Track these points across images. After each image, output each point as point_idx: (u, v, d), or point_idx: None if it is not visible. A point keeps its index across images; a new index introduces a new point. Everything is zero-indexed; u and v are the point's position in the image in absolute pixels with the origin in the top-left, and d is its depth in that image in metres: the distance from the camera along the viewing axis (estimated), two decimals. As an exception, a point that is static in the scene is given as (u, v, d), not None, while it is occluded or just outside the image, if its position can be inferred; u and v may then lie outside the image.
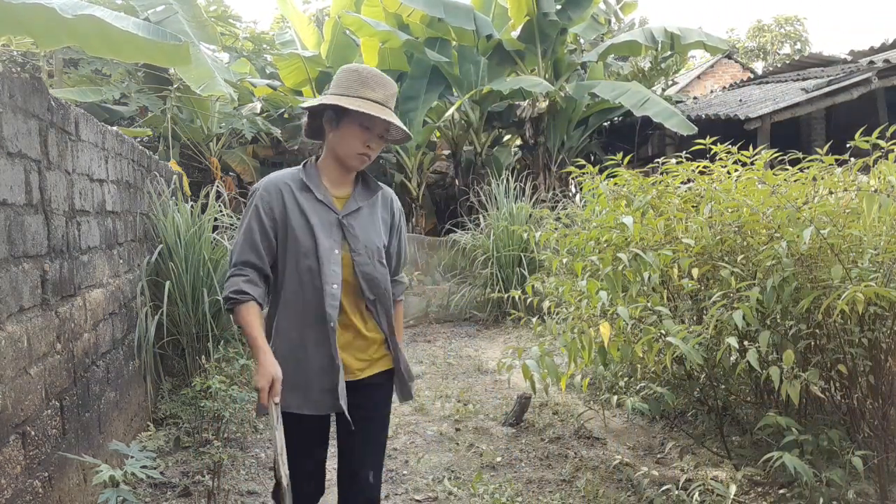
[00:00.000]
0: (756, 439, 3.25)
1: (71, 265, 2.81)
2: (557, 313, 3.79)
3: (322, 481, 2.30)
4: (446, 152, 12.18)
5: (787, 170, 3.24)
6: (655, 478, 3.28)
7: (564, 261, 3.72)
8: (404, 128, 2.07)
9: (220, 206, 5.16)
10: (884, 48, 10.40)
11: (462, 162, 11.48)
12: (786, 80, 11.53)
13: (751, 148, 3.45)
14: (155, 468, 2.95)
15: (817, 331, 2.76)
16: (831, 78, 9.13)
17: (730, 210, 3.02)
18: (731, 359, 2.76)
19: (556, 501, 3.13)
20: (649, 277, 2.92)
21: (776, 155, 3.50)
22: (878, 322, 2.65)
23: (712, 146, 3.46)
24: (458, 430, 4.22)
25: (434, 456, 3.79)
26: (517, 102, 10.60)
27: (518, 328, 7.30)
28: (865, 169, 3.05)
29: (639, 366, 3.42)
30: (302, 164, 2.14)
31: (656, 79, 11.96)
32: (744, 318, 2.50)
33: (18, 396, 2.17)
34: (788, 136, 9.91)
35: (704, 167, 3.46)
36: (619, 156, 3.81)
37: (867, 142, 2.81)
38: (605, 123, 11.69)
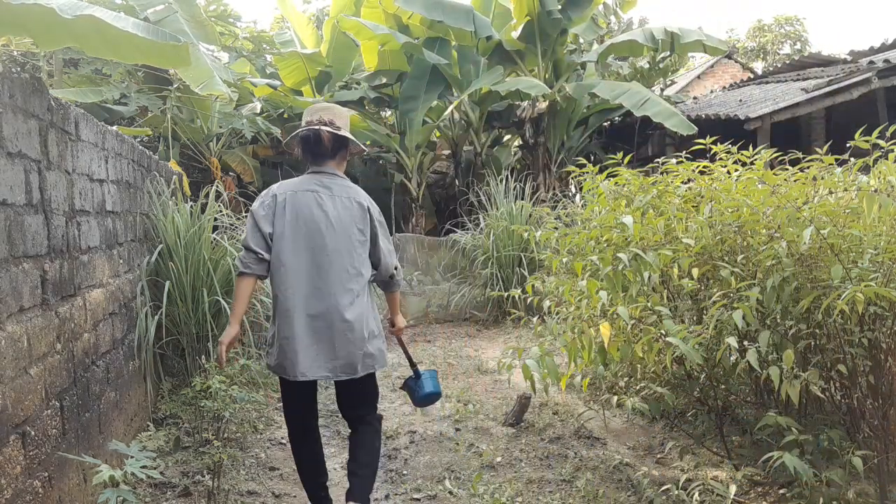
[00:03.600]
0: (756, 439, 3.25)
1: (71, 265, 2.81)
2: (557, 313, 3.79)
3: None
4: (446, 152, 12.19)
5: (787, 170, 3.24)
6: (655, 478, 3.29)
7: (564, 260, 3.72)
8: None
9: (220, 206, 5.16)
10: (884, 48, 10.39)
11: (462, 162, 11.48)
12: (786, 80, 11.54)
13: (751, 148, 3.45)
14: (155, 468, 2.95)
15: (817, 331, 2.76)
16: (831, 78, 9.13)
17: (730, 210, 3.02)
18: (731, 359, 2.76)
19: (556, 501, 3.13)
20: (649, 277, 2.92)
21: (776, 155, 3.50)
22: (878, 322, 2.64)
23: (712, 146, 3.46)
24: (458, 430, 4.22)
25: (434, 456, 3.79)
26: (517, 102, 10.59)
27: (518, 328, 7.29)
28: (865, 169, 3.05)
29: (639, 366, 3.42)
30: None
31: (655, 79, 11.96)
32: (744, 318, 2.50)
33: (18, 396, 2.17)
34: (788, 136, 9.90)
35: (704, 167, 3.47)
36: (620, 156, 3.81)
37: (867, 142, 2.81)
38: (605, 123, 11.69)
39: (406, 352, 3.36)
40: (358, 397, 2.93)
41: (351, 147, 2.99)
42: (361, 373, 2.79)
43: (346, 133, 2.89)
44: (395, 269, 2.95)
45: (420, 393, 3.29)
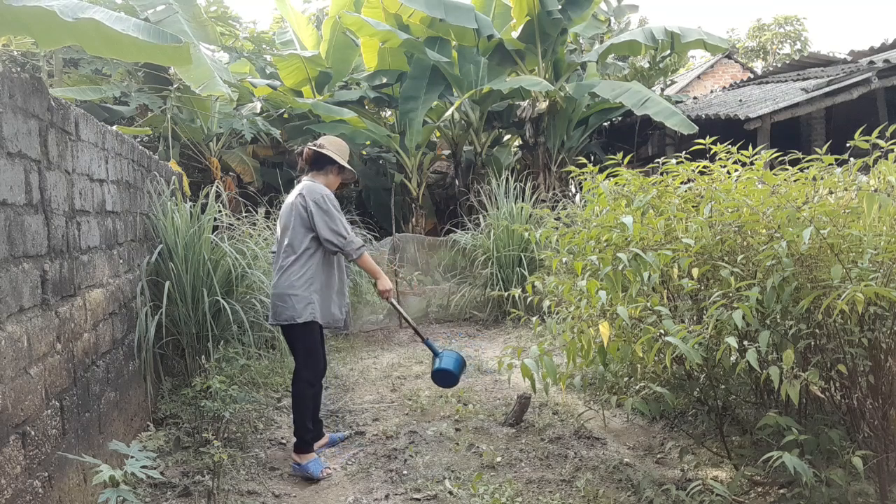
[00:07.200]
0: (756, 439, 3.25)
1: (71, 265, 2.81)
2: (557, 313, 3.79)
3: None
4: (446, 152, 12.18)
5: (787, 170, 3.24)
6: (655, 478, 3.29)
7: (564, 260, 3.72)
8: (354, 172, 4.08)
9: (219, 206, 5.16)
10: (884, 48, 10.41)
11: (462, 162, 11.48)
12: (786, 80, 11.53)
13: (751, 148, 3.45)
14: (155, 468, 2.95)
15: (817, 331, 2.76)
16: (831, 78, 9.13)
17: (730, 210, 3.02)
18: (731, 359, 2.76)
19: (556, 501, 3.13)
20: (649, 277, 2.92)
21: (776, 155, 3.50)
22: (878, 322, 2.64)
23: (712, 146, 3.46)
24: (458, 430, 4.22)
25: (434, 456, 3.79)
26: (517, 102, 10.58)
27: (518, 328, 7.29)
28: (865, 169, 3.05)
29: (639, 366, 3.42)
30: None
31: (656, 78, 11.96)
32: (744, 317, 2.50)
33: (18, 396, 2.17)
34: (788, 136, 9.91)
35: (704, 167, 3.47)
36: (620, 155, 3.81)
37: (867, 141, 2.81)
38: (605, 123, 11.68)
39: (406, 319, 4.06)
40: (289, 345, 3.84)
41: (345, 175, 3.96)
42: (273, 320, 3.72)
43: (318, 148, 3.84)
44: (343, 238, 3.64)
45: (433, 368, 3.91)
